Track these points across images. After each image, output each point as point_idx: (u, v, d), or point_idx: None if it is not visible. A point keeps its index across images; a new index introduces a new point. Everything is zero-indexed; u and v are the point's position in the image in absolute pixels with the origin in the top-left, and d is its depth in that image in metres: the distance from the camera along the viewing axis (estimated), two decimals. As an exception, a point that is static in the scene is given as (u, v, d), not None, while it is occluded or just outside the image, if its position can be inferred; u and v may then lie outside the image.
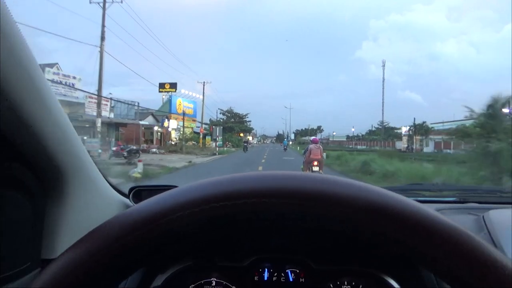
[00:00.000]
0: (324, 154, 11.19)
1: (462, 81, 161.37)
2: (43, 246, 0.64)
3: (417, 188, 1.47)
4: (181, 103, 39.04)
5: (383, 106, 57.99)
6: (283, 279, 0.82)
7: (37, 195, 0.62)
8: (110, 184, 0.86)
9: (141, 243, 0.36)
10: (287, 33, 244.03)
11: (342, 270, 0.81)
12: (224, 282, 0.81)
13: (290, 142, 73.09)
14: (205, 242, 0.77)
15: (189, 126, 40.66)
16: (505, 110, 9.16)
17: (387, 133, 60.69)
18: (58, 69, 21.51)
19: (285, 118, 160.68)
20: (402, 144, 46.22)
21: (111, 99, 24.00)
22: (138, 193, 0.97)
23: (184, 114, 33.61)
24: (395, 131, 61.30)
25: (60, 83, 20.97)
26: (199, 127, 41.34)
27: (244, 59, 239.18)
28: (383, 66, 63.32)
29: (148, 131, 32.88)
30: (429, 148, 39.05)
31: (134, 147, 19.61)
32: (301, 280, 0.82)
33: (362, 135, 78.24)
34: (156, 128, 33.26)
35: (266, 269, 0.82)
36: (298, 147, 42.96)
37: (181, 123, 34.28)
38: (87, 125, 19.79)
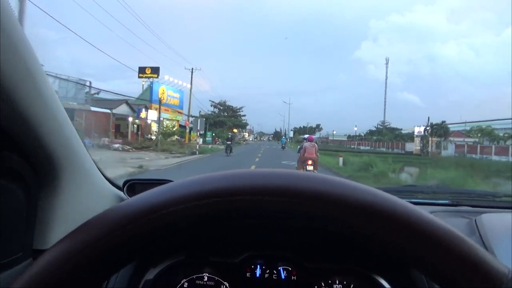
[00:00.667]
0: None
1: (461, 84, 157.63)
2: (36, 236, 0.65)
3: (411, 190, 1.53)
4: (165, 91, 33.65)
5: (385, 105, 54.32)
6: (275, 276, 0.82)
7: (31, 185, 0.62)
8: (105, 177, 0.88)
9: (134, 237, 0.36)
10: (287, 31, 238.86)
11: (334, 268, 0.82)
12: (216, 278, 0.81)
13: (288, 140, 67.99)
14: (198, 237, 0.78)
15: (174, 118, 35.43)
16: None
17: (391, 133, 57.15)
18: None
19: (283, 115, 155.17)
20: (414, 146, 41.46)
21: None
22: (132, 186, 1.00)
23: (160, 102, 27.63)
24: (401, 131, 57.97)
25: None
26: (186, 120, 36.05)
27: (243, 56, 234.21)
28: (386, 64, 59.39)
29: (124, 123, 27.73)
30: (447, 152, 34.28)
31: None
32: (293, 277, 0.82)
33: (363, 135, 75.94)
34: (131, 119, 27.92)
35: (258, 266, 0.82)
36: (298, 146, 37.91)
37: (163, 115, 29.07)
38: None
